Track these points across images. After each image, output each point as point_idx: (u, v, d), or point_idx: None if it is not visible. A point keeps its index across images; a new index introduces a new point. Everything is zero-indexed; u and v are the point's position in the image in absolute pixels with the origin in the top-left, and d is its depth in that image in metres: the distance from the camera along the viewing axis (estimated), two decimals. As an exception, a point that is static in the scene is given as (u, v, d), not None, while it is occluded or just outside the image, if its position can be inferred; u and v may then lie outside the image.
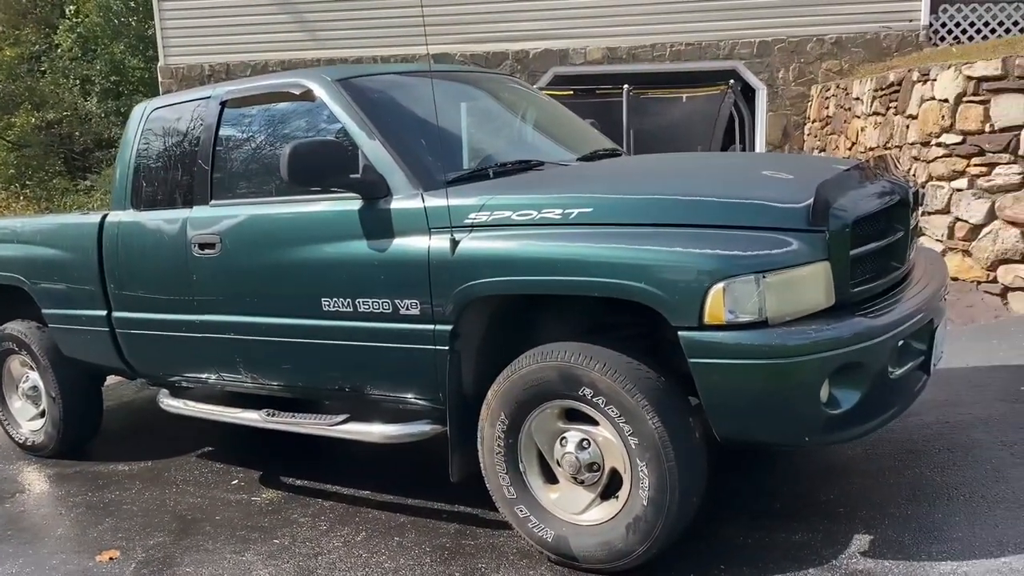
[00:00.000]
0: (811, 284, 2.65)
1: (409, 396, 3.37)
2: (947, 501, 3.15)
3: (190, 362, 4.05)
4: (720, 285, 2.57)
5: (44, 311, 4.53)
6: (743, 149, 7.62)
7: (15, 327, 4.74)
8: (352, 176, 3.26)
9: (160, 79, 12.09)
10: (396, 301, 3.19)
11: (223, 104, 3.86)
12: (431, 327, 3.14)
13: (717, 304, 2.59)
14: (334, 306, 3.36)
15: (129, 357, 4.28)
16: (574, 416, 2.97)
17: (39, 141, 21.60)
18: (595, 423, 2.91)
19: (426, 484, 3.86)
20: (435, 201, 3.12)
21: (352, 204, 3.31)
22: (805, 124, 11.09)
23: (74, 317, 4.39)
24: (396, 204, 3.22)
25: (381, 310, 3.24)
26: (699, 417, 2.81)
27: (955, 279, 6.30)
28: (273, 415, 3.77)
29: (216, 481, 4.30)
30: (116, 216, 4.17)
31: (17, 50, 22.95)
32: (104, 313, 4.23)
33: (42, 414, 4.81)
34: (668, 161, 3.82)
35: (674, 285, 2.63)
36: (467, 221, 3.05)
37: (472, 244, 3.01)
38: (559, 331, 3.14)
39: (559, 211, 2.90)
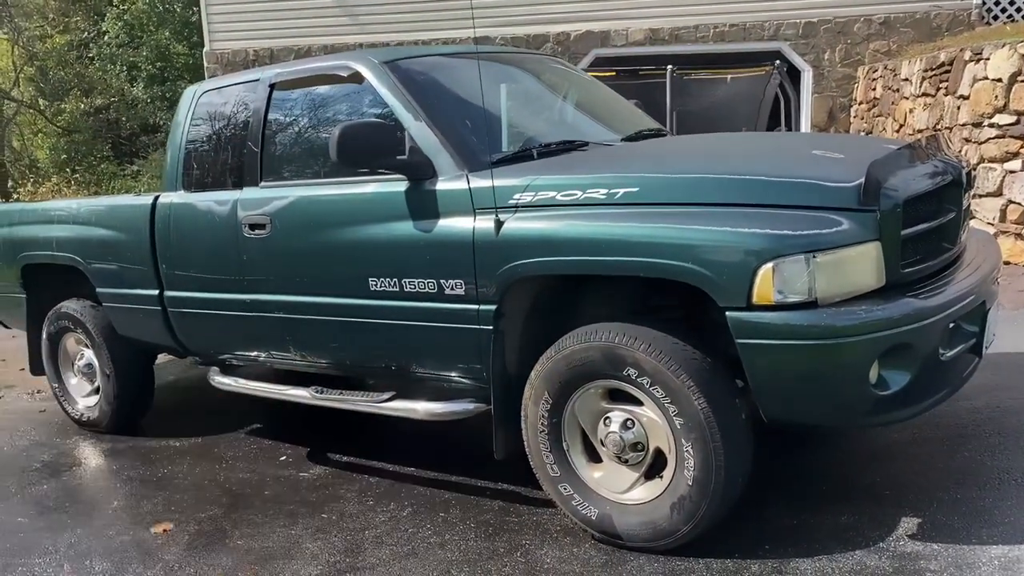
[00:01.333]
0: (861, 264, 2.63)
1: (453, 375, 3.41)
2: (997, 485, 3.11)
3: (240, 341, 4.13)
4: (769, 265, 2.56)
5: (99, 290, 4.65)
6: (788, 131, 7.52)
7: (71, 306, 4.87)
8: (399, 157, 3.29)
9: (205, 64, 12.26)
10: (441, 281, 3.22)
11: (272, 87, 3.91)
12: (475, 307, 3.16)
13: (766, 284, 2.57)
14: (381, 286, 3.40)
15: (180, 336, 4.38)
16: (618, 396, 2.99)
17: (87, 127, 22.04)
18: (639, 403, 2.92)
19: (469, 462, 3.90)
20: (480, 182, 3.14)
21: (399, 185, 3.34)
22: (851, 106, 10.90)
23: (127, 296, 4.49)
24: (441, 185, 3.25)
25: (427, 290, 3.27)
26: (745, 398, 2.81)
27: (1007, 263, 6.18)
28: (321, 392, 3.83)
29: (264, 457, 4.39)
30: (168, 197, 4.25)
31: (67, 37, 23.41)
32: (156, 292, 4.33)
33: (97, 391, 4.95)
34: (714, 141, 3.80)
35: (722, 265, 2.62)
36: (512, 202, 3.06)
37: (517, 225, 3.02)
38: (603, 312, 3.15)
39: (604, 191, 2.90)
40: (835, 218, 2.62)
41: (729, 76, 7.62)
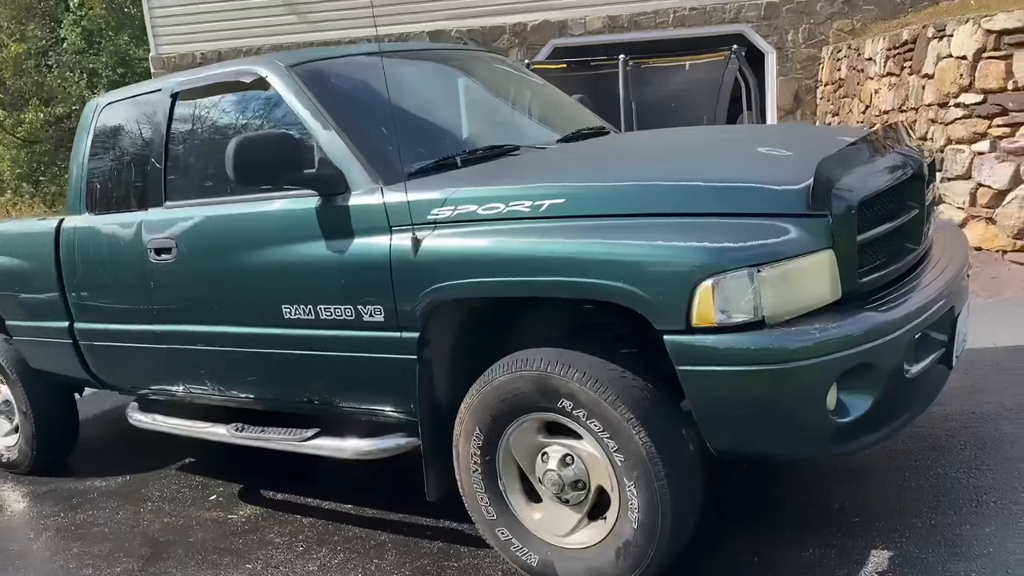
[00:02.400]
0: (813, 276, 2.34)
1: (381, 408, 3.10)
2: (975, 508, 2.84)
3: (155, 375, 3.80)
4: (708, 282, 2.27)
5: (8, 323, 4.30)
6: (752, 118, 7.24)
7: (-18, 340, 4.51)
8: (307, 171, 2.97)
9: (152, 70, 11.84)
10: (359, 307, 2.91)
11: (174, 97, 3.57)
12: (397, 334, 2.85)
13: (706, 304, 2.28)
14: (295, 313, 3.08)
15: (95, 369, 4.04)
16: (556, 429, 2.69)
17: (48, 137, 21.46)
18: (579, 437, 2.63)
19: (410, 497, 3.58)
20: (396, 196, 2.83)
21: (309, 202, 3.02)
22: (817, 88, 10.66)
23: (37, 329, 4.15)
24: (355, 200, 2.93)
25: (344, 317, 2.96)
26: (694, 427, 2.51)
27: (978, 249, 5.94)
28: (241, 429, 3.51)
29: (194, 497, 4.07)
30: (72, 221, 3.91)
31: (24, 46, 22.78)
32: (66, 324, 3.99)
33: (16, 430, 4.59)
34: (655, 140, 3.50)
35: (657, 284, 2.33)
36: (430, 218, 2.75)
37: (435, 243, 2.71)
38: (541, 334, 2.86)
39: (529, 203, 2.59)
40: (782, 226, 2.33)
41: (687, 63, 7.34)
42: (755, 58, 9.20)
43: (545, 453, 2.71)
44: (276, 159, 2.90)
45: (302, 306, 3.05)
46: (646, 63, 7.37)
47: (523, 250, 2.53)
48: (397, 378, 2.92)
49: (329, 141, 3.02)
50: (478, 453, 2.77)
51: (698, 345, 2.30)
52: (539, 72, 6.72)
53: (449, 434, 2.88)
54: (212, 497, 4.04)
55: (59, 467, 4.62)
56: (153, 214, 3.56)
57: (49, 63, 22.73)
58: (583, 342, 2.65)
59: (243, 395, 3.51)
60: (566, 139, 3.48)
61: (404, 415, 3.06)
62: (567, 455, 2.67)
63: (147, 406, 4.02)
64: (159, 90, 3.64)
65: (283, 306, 3.10)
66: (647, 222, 2.43)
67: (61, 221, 3.96)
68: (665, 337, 2.35)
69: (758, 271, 2.26)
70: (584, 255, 2.43)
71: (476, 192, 2.72)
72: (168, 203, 3.53)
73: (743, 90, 7.29)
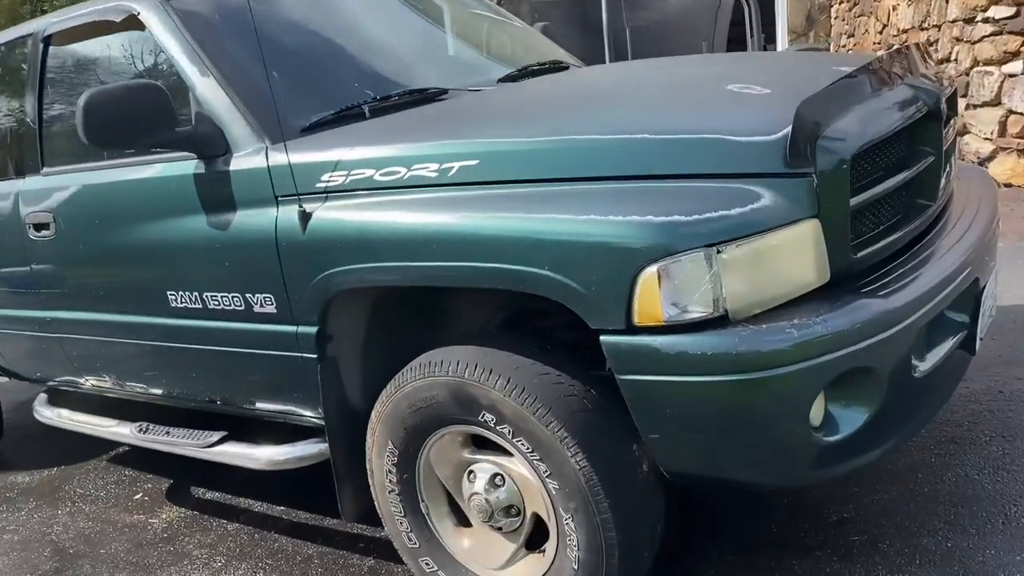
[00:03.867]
0: (792, 256, 1.79)
1: (291, 411, 2.61)
2: (1003, 524, 2.31)
3: (53, 366, 3.33)
4: (653, 269, 1.72)
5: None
6: (756, 44, 6.54)
7: None
8: (180, 130, 2.42)
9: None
10: (248, 296, 2.40)
11: (46, 42, 3.01)
12: (292, 328, 2.35)
13: (651, 295, 1.74)
14: (181, 301, 2.58)
15: (-6, 358, 3.58)
16: (485, 442, 2.19)
17: None
18: (509, 453, 2.12)
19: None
20: (278, 158, 2.28)
21: (188, 166, 2.49)
22: (832, 6, 9.84)
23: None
24: (236, 164, 2.39)
25: (233, 307, 2.45)
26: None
27: (1008, 185, 5.30)
28: (145, 431, 3.04)
29: (118, 496, 3.63)
30: (-47, 191, 3.39)
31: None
32: (-43, 307, 3.51)
33: (-67, 417, 4.17)
34: (609, 77, 2.90)
35: (587, 270, 1.79)
36: (319, 185, 2.21)
37: (326, 217, 2.18)
38: (469, 325, 2.35)
39: (435, 166, 2.04)
40: (750, 189, 1.77)
41: (684, -17, 6.64)
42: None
43: (472, 472, 2.22)
44: (138, 116, 2.35)
45: (187, 293, 2.55)
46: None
47: (423, 227, 1.99)
48: (299, 378, 2.42)
49: (207, 90, 2.47)
50: (393, 471, 2.28)
51: (642, 348, 1.77)
52: (512, -1, 6.06)
53: (364, 444, 2.40)
54: (137, 496, 3.60)
55: (-14, 456, 4.22)
56: (30, 183, 3.04)
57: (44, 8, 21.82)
58: (512, 338, 2.13)
59: (143, 391, 3.04)
60: (509, 78, 2.89)
61: (318, 418, 2.58)
62: (497, 475, 2.17)
63: (55, 399, 3.56)
64: (31, 34, 3.08)
65: (168, 293, 2.60)
66: (577, 189, 1.88)
67: (-57, 190, 3.44)
68: (602, 338, 1.82)
69: (718, 252, 1.72)
70: (497, 233, 1.88)
71: (373, 152, 2.17)
72: (45, 169, 3.00)
73: (746, 11, 6.59)
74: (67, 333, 3.06)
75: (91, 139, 2.33)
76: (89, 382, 3.25)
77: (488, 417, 2.02)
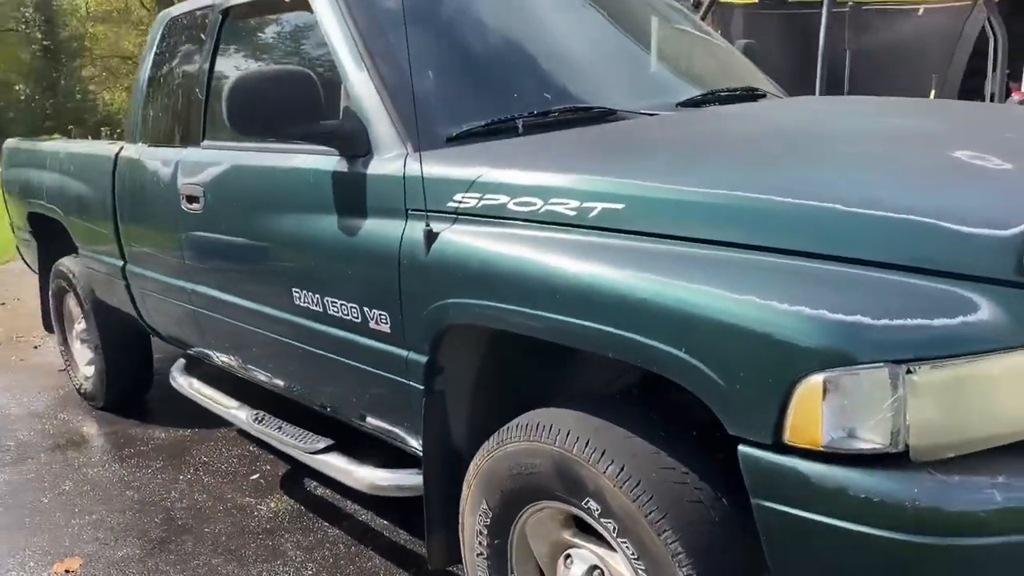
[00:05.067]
0: (1009, 392, 1.36)
1: (396, 435, 2.41)
2: None
3: (189, 335, 3.33)
4: (819, 378, 1.36)
5: (80, 251, 3.99)
6: (997, 84, 5.72)
7: (67, 263, 4.25)
8: (325, 123, 2.26)
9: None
10: (365, 309, 2.21)
11: (224, 15, 2.96)
12: (403, 353, 2.14)
13: (810, 410, 1.37)
14: (304, 301, 2.44)
15: (146, 318, 3.64)
16: (586, 525, 1.88)
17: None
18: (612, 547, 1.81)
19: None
20: (415, 168, 2.07)
21: (329, 162, 2.33)
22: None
23: (99, 263, 3.80)
24: (374, 167, 2.20)
25: (350, 317, 2.27)
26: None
27: None
28: (260, 420, 2.96)
29: (236, 472, 3.62)
30: (128, 150, 3.46)
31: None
32: (120, 264, 3.59)
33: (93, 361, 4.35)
34: (812, 116, 2.45)
35: (735, 362, 1.44)
36: (450, 204, 1.98)
37: (451, 240, 1.95)
38: (592, 381, 2.05)
39: (574, 203, 1.75)
40: (965, 296, 1.36)
41: (922, 7, 5.90)
42: (1015, 8, 7.31)
43: (569, 556, 1.92)
44: (284, 104, 2.20)
45: (311, 294, 2.40)
46: (868, 4, 6.00)
47: (549, 272, 1.70)
48: (405, 405, 2.22)
49: (359, 85, 2.30)
50: (485, 533, 2.02)
51: (789, 473, 1.41)
52: (725, 6, 5.61)
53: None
54: (254, 476, 3.57)
55: (133, 407, 4.35)
56: (189, 154, 3.01)
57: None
58: (635, 411, 1.81)
59: (266, 380, 2.96)
60: (691, 103, 2.54)
61: (417, 449, 2.37)
62: (596, 568, 1.86)
63: (191, 368, 3.58)
64: (212, 5, 3.05)
65: (294, 289, 2.47)
66: (738, 258, 1.53)
67: (121, 149, 3.53)
68: (740, 448, 1.47)
69: (908, 371, 1.32)
70: (630, 295, 1.57)
71: (510, 177, 1.90)
72: (205, 143, 2.97)
73: (992, 45, 5.77)
74: (204, 308, 3.02)
75: (234, 123, 2.21)
76: (220, 358, 3.22)
77: (593, 505, 1.72)
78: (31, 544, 3.13)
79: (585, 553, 1.88)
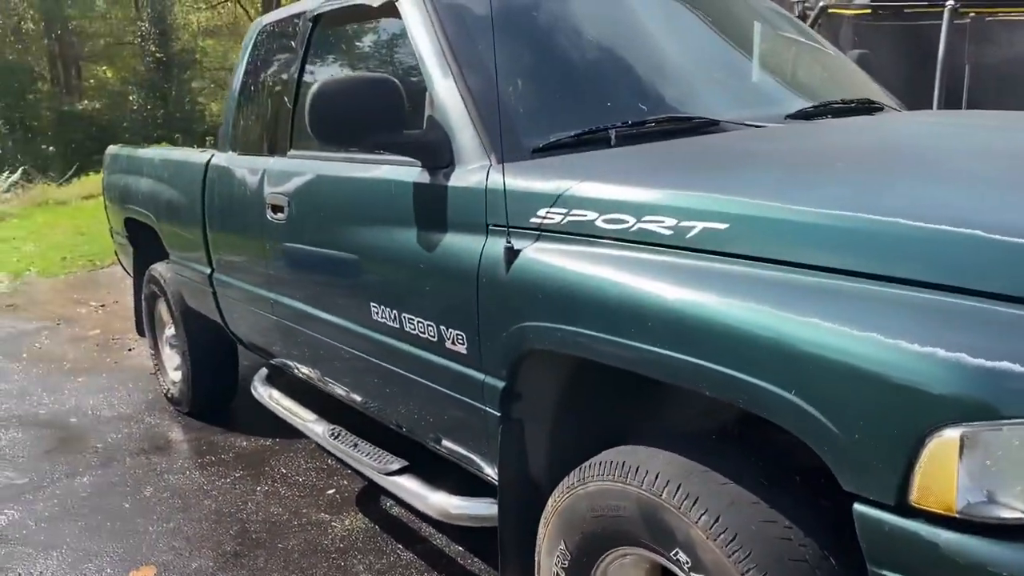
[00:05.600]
0: None
1: (472, 461, 2.29)
2: None
3: (271, 345, 3.30)
4: (955, 433, 1.16)
5: (170, 256, 4.03)
6: None
7: (160, 269, 4.31)
8: (407, 133, 2.17)
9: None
10: (442, 328, 2.10)
11: (314, 21, 2.91)
12: (480, 376, 2.01)
13: (943, 469, 1.18)
14: (382, 316, 2.34)
15: (231, 327, 3.63)
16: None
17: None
18: (704, 602, 1.63)
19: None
20: (497, 180, 1.94)
21: (410, 174, 2.23)
22: None
23: (188, 269, 3.82)
24: (456, 180, 2.09)
25: (427, 335, 2.16)
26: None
27: None
28: (336, 436, 2.89)
29: (313, 486, 3.56)
30: (218, 158, 3.46)
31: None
32: (208, 271, 3.60)
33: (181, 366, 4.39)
34: (935, 131, 2.22)
35: (853, 409, 1.26)
36: (534, 220, 1.84)
37: (534, 259, 1.81)
38: (683, 417, 1.88)
39: (671, 221, 1.59)
40: None
41: (1052, 18, 5.46)
42: None
43: (656, 610, 1.75)
44: (367, 113, 2.11)
45: (388, 309, 2.30)
46: (994, 14, 5.61)
47: (641, 297, 1.55)
48: (480, 432, 2.09)
49: (445, 93, 2.19)
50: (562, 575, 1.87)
51: (915, 540, 1.21)
52: (835, 15, 5.32)
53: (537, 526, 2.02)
54: (330, 492, 3.50)
55: (217, 414, 4.37)
56: (276, 163, 2.97)
57: None
58: (732, 453, 1.63)
59: (344, 395, 2.88)
60: (802, 115, 2.34)
61: (493, 478, 2.24)
62: (685, 626, 1.68)
63: (272, 378, 3.55)
64: (302, 12, 3.01)
65: (371, 304, 2.38)
66: (858, 289, 1.34)
67: (211, 157, 3.54)
68: (856, 507, 1.28)
69: (1067, 430, 1.12)
70: (734, 327, 1.40)
71: (599, 192, 1.75)
72: (292, 152, 2.92)
73: None
74: (286, 319, 2.98)
75: (315, 132, 2.14)
76: (300, 370, 3.16)
77: (682, 557, 1.55)
78: (109, 549, 3.13)
79: (673, 609, 1.71)
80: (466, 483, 2.45)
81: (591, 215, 1.72)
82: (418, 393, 2.27)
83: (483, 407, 2.02)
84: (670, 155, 1.99)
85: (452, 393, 2.12)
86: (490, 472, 2.23)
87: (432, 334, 2.13)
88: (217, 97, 33.78)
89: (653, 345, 1.51)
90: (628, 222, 1.65)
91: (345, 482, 3.58)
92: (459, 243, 2.03)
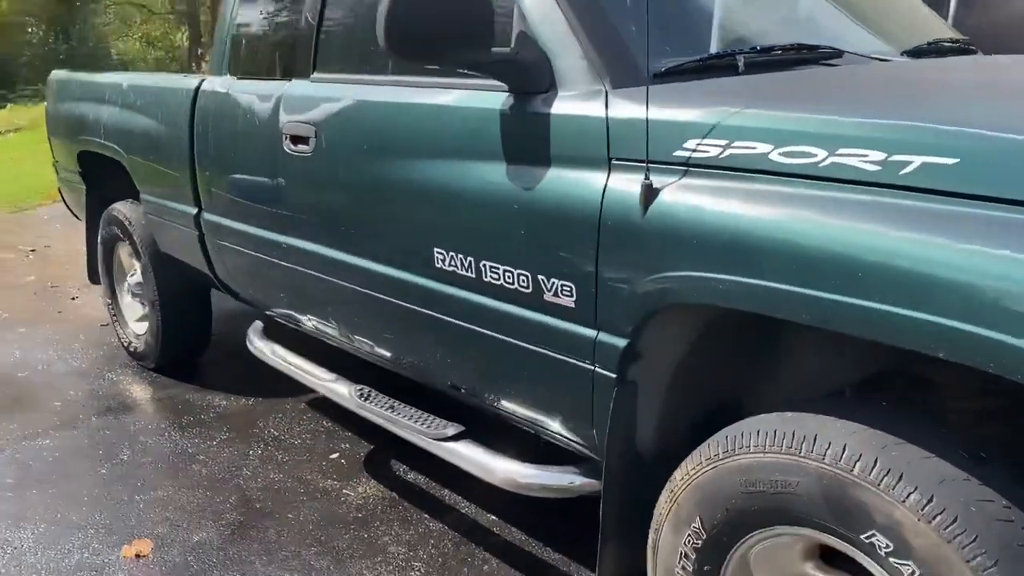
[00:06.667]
0: None
1: (552, 427, 2.05)
2: None
3: (276, 295, 2.96)
4: None
5: (142, 196, 3.61)
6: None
7: (122, 209, 3.87)
8: (497, 51, 1.87)
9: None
10: (540, 277, 1.84)
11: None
12: (591, 333, 1.76)
13: None
14: (450, 263, 2.06)
15: (219, 273, 3.27)
16: (836, 558, 1.52)
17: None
18: (881, 589, 1.45)
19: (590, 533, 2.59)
20: (626, 108, 1.68)
21: (493, 99, 1.94)
22: None
23: (165, 209, 3.42)
24: (560, 106, 1.81)
25: (516, 286, 1.90)
26: None
27: None
28: (367, 398, 2.59)
29: (312, 449, 3.26)
30: (211, 83, 3.07)
31: None
32: (194, 212, 3.21)
33: (147, 317, 3.98)
34: None
35: None
36: (679, 154, 1.59)
37: (682, 199, 1.56)
38: (822, 375, 1.69)
39: (877, 156, 1.36)
40: None
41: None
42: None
43: (810, 594, 1.56)
44: (453, 27, 1.81)
45: (460, 256, 2.02)
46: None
47: (848, 247, 1.32)
48: (578, 395, 1.85)
49: (539, 7, 1.90)
50: (692, 556, 1.66)
51: None
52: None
53: (647, 496, 1.81)
54: (333, 455, 3.21)
55: (188, 370, 3.99)
56: (296, 87, 2.62)
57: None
58: (924, 423, 1.44)
59: (373, 352, 2.59)
60: (916, 53, 2.14)
61: (582, 446, 2.01)
62: (852, 611, 1.50)
63: (271, 332, 3.21)
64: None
65: (435, 250, 2.09)
66: None
67: (202, 82, 3.13)
68: None
69: None
70: (993, 283, 1.19)
71: (773, 121, 1.51)
72: (316, 75, 2.57)
73: None
74: (301, 265, 2.65)
75: (393, 47, 1.81)
76: (312, 323, 2.85)
77: (880, 541, 1.35)
78: (93, 521, 2.79)
79: (835, 593, 1.52)
80: (523, 448, 2.23)
81: (763, 147, 1.48)
82: (496, 351, 2.01)
83: (592, 367, 1.78)
84: (820, 84, 1.76)
85: (546, 351, 1.87)
86: (572, 437, 2.01)
87: (525, 284, 1.87)
88: (123, 35, 31.86)
89: (870, 301, 1.29)
90: (817, 156, 1.42)
91: (347, 446, 3.29)
92: (568, 180, 1.76)
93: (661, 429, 1.83)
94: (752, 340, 1.77)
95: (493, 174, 1.92)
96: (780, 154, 1.46)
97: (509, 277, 1.90)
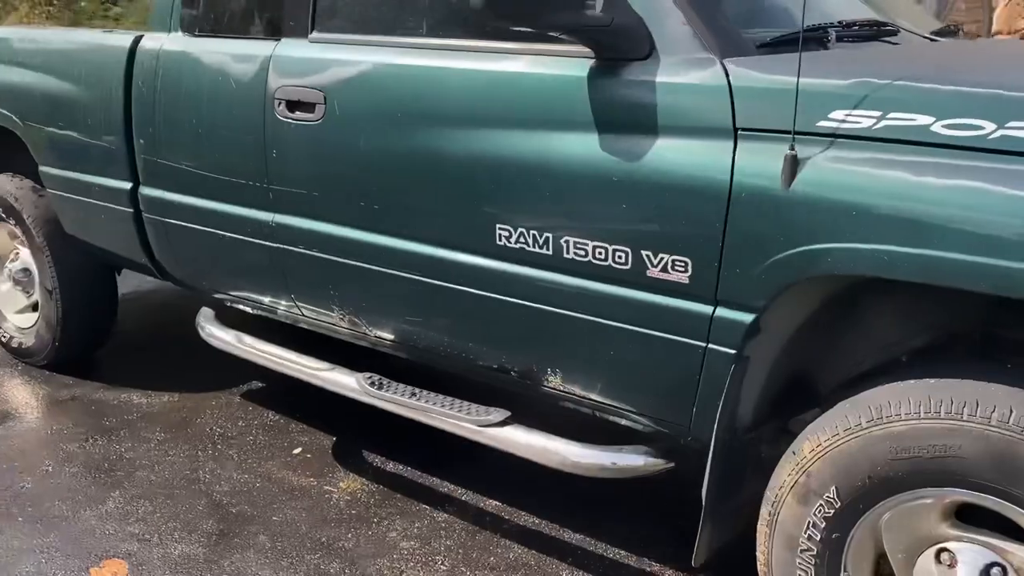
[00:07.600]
0: None
1: (627, 408, 2.00)
2: None
3: (251, 281, 2.68)
4: None
5: (41, 169, 3.14)
6: None
7: (5, 185, 3.35)
8: (591, 14, 1.76)
9: None
10: (643, 253, 1.77)
11: None
12: (706, 309, 1.73)
13: None
14: (518, 241, 1.94)
15: (159, 255, 2.91)
16: (973, 514, 1.59)
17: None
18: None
19: (612, 508, 2.55)
20: (753, 77, 1.66)
21: (576, 66, 1.85)
22: None
23: (82, 185, 2.99)
24: (668, 75, 1.75)
25: (610, 262, 1.82)
26: None
27: None
28: (380, 386, 2.40)
29: (269, 445, 3.00)
30: (155, 41, 2.70)
31: None
32: (128, 187, 2.83)
33: (35, 307, 3.47)
34: None
35: None
36: (824, 124, 1.59)
37: (833, 170, 1.56)
38: (889, 338, 1.78)
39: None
40: None
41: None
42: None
43: (947, 551, 1.62)
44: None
45: (535, 233, 1.91)
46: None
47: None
48: (683, 373, 1.81)
49: (633, -31, 1.82)
50: (821, 526, 1.68)
51: None
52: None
53: (740, 471, 1.82)
54: (296, 451, 2.97)
55: (85, 364, 3.54)
56: (288, 47, 2.36)
57: None
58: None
59: (389, 337, 2.40)
60: (940, 34, 2.27)
61: (660, 426, 1.98)
62: (994, 565, 1.58)
63: (229, 319, 2.90)
64: None
65: (498, 227, 1.96)
66: None
67: (138, 39, 2.75)
68: None
69: None
70: None
71: (933, 93, 1.54)
72: (316, 34, 2.33)
73: None
74: (296, 246, 2.41)
75: (492, 6, 1.67)
76: (302, 310, 2.58)
77: (1050, 497, 1.43)
78: (43, 545, 2.41)
79: (976, 550, 1.59)
80: (569, 430, 2.16)
81: (923, 119, 1.50)
82: (575, 332, 1.92)
83: (705, 345, 1.75)
84: (922, 57, 1.82)
85: (650, 330, 1.81)
86: (661, 416, 1.96)
87: (622, 260, 1.80)
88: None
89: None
90: (985, 129, 1.46)
91: (307, 439, 3.05)
92: (683, 150, 1.71)
93: (757, 404, 1.84)
94: (838, 311, 1.81)
95: (579, 145, 1.82)
96: (943, 126, 1.49)
97: (600, 253, 1.82)
